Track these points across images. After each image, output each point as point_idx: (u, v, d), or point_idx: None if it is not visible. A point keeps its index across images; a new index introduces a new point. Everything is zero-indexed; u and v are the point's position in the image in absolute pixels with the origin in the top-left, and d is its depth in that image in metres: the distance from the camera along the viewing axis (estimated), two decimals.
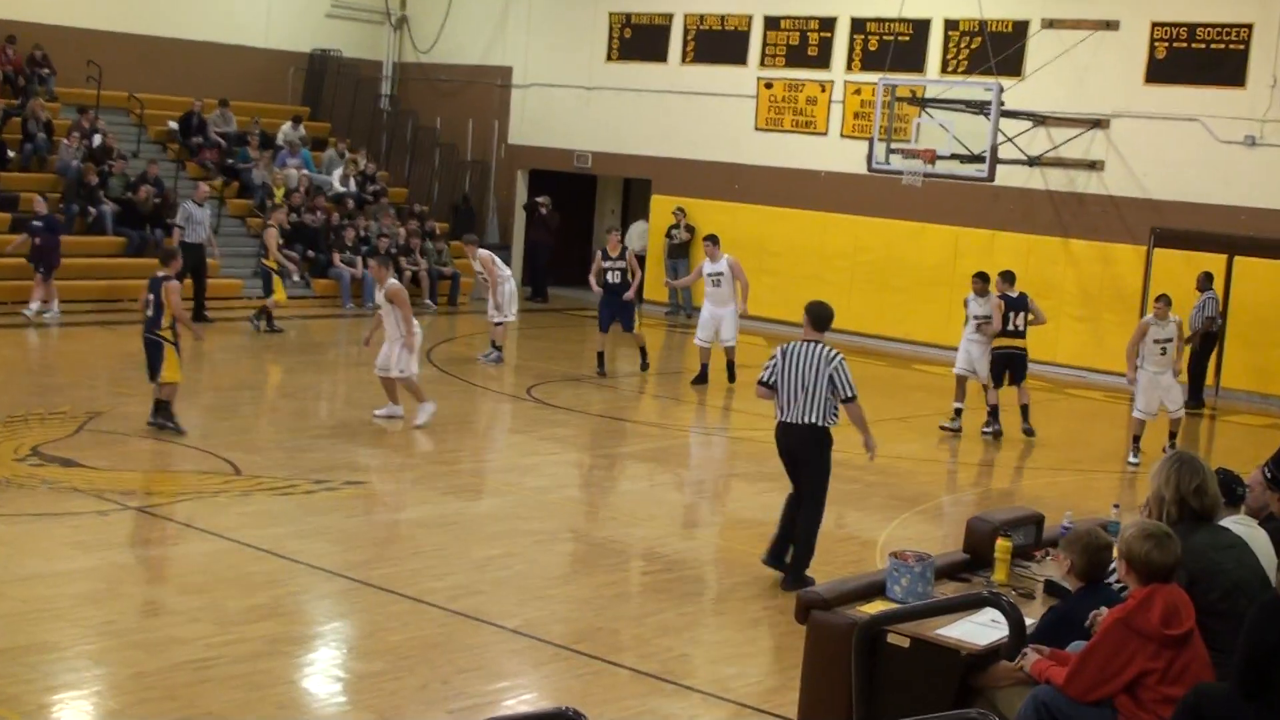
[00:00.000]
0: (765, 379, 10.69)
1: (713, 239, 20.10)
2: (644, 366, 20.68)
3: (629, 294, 20.20)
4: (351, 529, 11.65)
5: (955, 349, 18.07)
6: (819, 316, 10.77)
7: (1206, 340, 21.27)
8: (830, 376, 10.49)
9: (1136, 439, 16.65)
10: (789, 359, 10.58)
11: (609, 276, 20.24)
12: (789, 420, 10.65)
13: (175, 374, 14.46)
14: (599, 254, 20.75)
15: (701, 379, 19.78)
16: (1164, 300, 16.70)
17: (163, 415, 14.46)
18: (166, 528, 11.26)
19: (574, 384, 19.72)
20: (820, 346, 10.60)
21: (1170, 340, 16.56)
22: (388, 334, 15.59)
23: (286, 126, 28.86)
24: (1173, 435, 16.82)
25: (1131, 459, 16.57)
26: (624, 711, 8.17)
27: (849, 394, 10.57)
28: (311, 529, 11.51)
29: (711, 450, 16.18)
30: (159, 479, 12.72)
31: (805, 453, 10.73)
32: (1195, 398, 21.28)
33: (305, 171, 27.74)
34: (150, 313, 14.43)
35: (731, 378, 19.59)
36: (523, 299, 28.68)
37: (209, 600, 9.53)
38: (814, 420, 10.56)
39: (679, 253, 27.22)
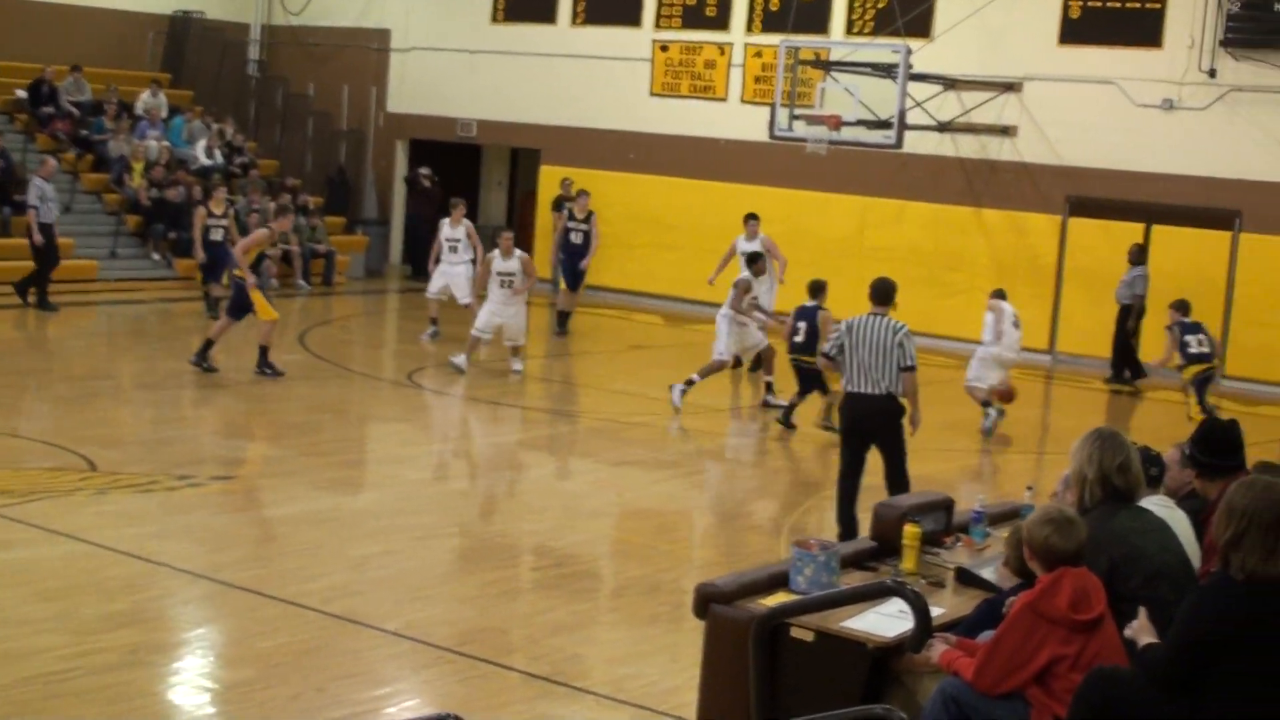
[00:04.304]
0: (829, 351, 11.75)
1: (755, 217, 20.67)
2: (562, 332, 22.45)
3: (585, 262, 23.09)
4: (219, 528, 11.52)
5: None
6: (884, 290, 11.80)
7: (1136, 315, 21.54)
8: (901, 344, 11.39)
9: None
10: (857, 332, 11.48)
11: (572, 237, 23.13)
12: (862, 391, 11.48)
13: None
14: (565, 213, 23.61)
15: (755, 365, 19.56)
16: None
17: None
18: (15, 530, 11.04)
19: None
20: (888, 319, 11.56)
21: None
22: None
23: (146, 94, 28.42)
24: (986, 404, 17.53)
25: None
26: (514, 716, 8.15)
27: (911, 363, 11.48)
28: (175, 528, 11.37)
29: (605, 437, 16.18)
30: (5, 477, 12.49)
31: (877, 423, 11.55)
32: (1119, 374, 21.61)
33: (167, 143, 27.36)
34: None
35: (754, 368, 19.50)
36: (403, 278, 28.64)
37: (63, 608, 9.37)
38: (889, 389, 11.43)
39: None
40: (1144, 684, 5.57)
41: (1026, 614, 5.96)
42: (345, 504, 12.76)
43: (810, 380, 16.18)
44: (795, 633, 6.73)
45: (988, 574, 7.35)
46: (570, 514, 12.80)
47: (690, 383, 17.15)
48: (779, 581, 7.34)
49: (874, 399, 11.46)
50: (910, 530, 7.71)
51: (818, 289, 16.67)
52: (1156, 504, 7.04)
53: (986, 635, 6.24)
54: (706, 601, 7.10)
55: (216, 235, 22.06)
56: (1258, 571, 5.35)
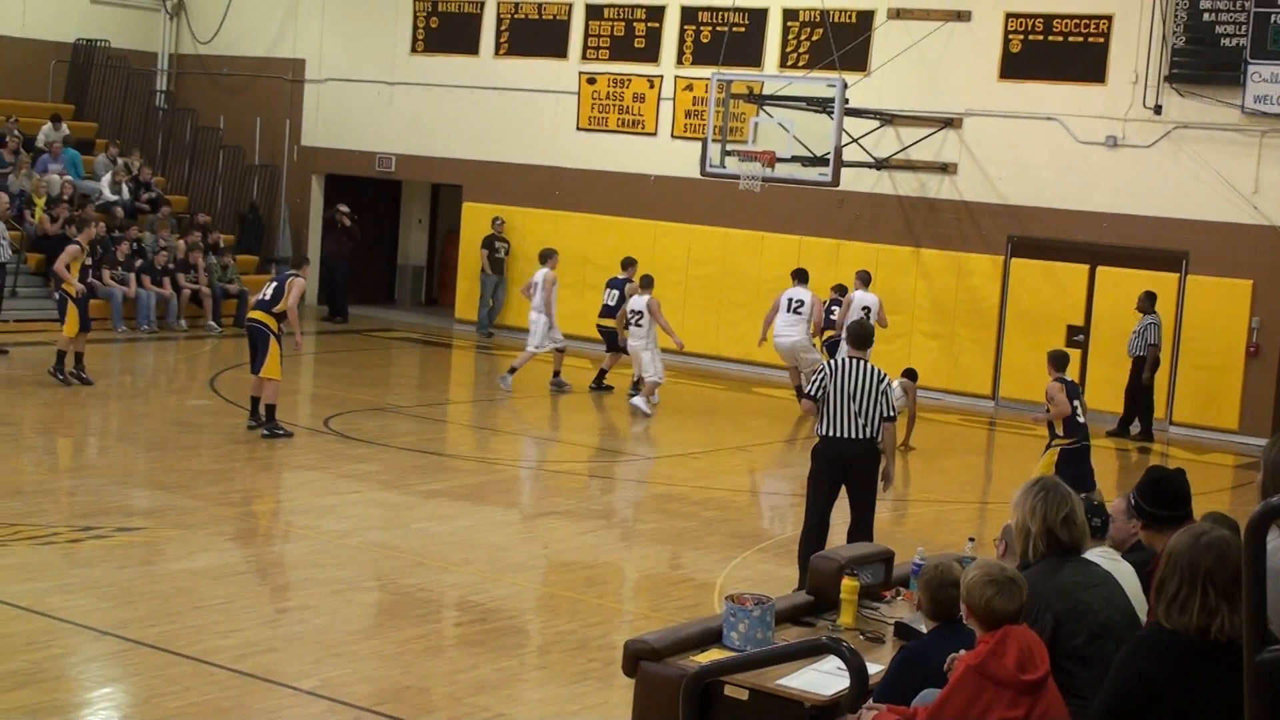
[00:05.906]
0: (813, 392, 11.89)
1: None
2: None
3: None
4: (124, 582, 11.42)
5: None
6: (861, 335, 12.39)
7: (1151, 366, 21.21)
8: (885, 392, 11.76)
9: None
10: (840, 375, 11.79)
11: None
12: (844, 435, 11.77)
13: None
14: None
15: None
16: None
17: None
18: None
19: (378, 414, 19.59)
20: (870, 364, 11.93)
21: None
22: None
23: (47, 127, 28.27)
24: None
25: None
26: None
27: (893, 414, 12.00)
28: (78, 582, 11.27)
29: (530, 486, 16.18)
30: None
31: (856, 467, 11.86)
32: (1124, 429, 21.35)
33: (69, 178, 27.19)
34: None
35: None
36: (319, 319, 28.54)
37: None
38: (871, 435, 11.79)
39: (498, 269, 27.24)
40: None
41: (971, 677, 5.89)
42: (258, 556, 12.69)
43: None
44: (729, 691, 6.75)
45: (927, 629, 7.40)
46: (495, 566, 12.77)
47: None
48: (712, 637, 7.37)
49: (857, 443, 11.75)
50: (848, 584, 7.76)
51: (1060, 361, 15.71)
52: (1101, 556, 7.08)
53: (927, 696, 6.20)
54: (636, 658, 7.12)
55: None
56: (1192, 624, 5.34)
